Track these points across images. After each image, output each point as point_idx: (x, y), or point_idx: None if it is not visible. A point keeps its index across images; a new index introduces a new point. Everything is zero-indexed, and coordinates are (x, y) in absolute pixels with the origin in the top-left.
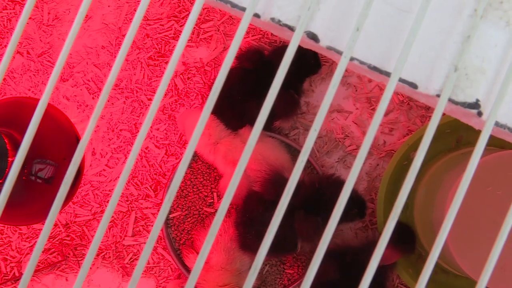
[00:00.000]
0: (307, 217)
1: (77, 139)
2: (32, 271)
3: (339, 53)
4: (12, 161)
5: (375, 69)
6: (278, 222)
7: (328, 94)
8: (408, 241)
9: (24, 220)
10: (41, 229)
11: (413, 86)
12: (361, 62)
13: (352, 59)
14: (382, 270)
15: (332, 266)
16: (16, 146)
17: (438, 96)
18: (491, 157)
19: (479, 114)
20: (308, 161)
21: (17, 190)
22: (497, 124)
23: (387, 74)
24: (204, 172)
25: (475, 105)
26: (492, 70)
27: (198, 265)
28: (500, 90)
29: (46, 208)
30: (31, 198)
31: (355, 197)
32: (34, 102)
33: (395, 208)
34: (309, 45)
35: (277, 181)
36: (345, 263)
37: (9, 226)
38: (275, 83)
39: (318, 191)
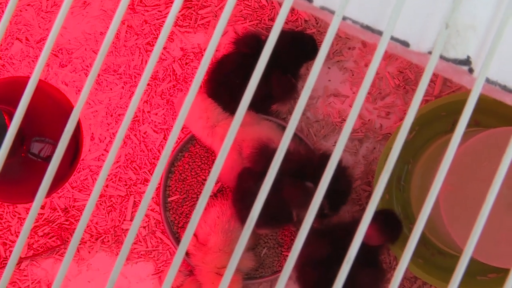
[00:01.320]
0: (296, 184)
1: (77, 121)
2: (21, 248)
3: (332, 12)
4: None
5: (367, 28)
6: (267, 190)
7: (322, 48)
8: (393, 228)
9: (21, 198)
10: (40, 213)
11: (405, 44)
12: (354, 22)
13: (344, 18)
14: (372, 249)
15: (323, 244)
16: (19, 129)
17: (429, 53)
18: (486, 134)
19: (470, 71)
20: (301, 139)
21: (15, 167)
22: (488, 80)
23: (379, 33)
24: (202, 156)
25: (466, 61)
26: (483, 27)
27: (186, 236)
28: (491, 46)
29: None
30: (30, 176)
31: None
32: None
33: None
34: (303, 6)
35: (265, 153)
36: (336, 239)
37: (7, 204)
38: (260, 62)
39: (307, 161)
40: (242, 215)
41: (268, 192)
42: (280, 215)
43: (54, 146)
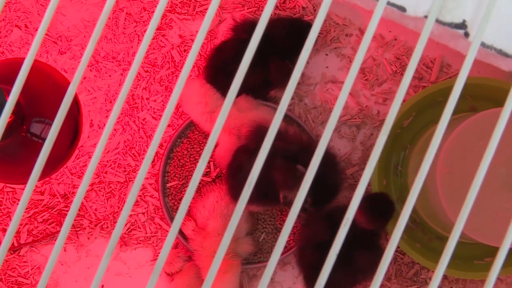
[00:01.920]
0: (286, 165)
1: (76, 102)
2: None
3: None
4: (12, 118)
5: None
6: (261, 164)
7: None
8: (382, 211)
9: (21, 179)
10: (39, 199)
11: (402, 9)
12: None
13: None
14: (371, 233)
15: (322, 227)
16: (17, 104)
17: (425, 17)
18: (480, 115)
19: (466, 35)
20: (299, 125)
21: (16, 147)
22: (483, 45)
23: None
24: (200, 142)
25: (462, 25)
26: None
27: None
28: (486, 11)
29: (45, 168)
30: (30, 157)
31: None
32: (34, 63)
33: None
34: None
35: (260, 130)
36: (335, 223)
37: (6, 191)
38: (251, 44)
39: (306, 146)
40: (234, 192)
41: (263, 170)
42: (268, 194)
43: None
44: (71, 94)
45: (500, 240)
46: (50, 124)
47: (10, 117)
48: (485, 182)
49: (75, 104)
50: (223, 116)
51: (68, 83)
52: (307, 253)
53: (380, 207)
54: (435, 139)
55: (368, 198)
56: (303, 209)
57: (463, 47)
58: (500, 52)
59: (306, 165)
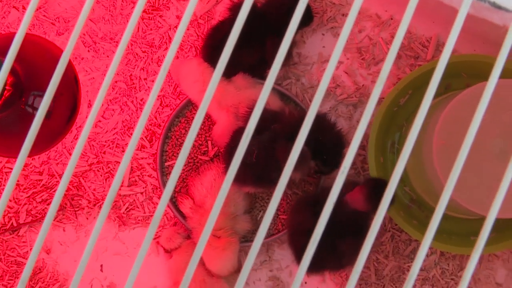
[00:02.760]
0: (289, 146)
1: (75, 77)
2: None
3: None
4: (9, 90)
5: None
6: (246, 144)
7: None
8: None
9: (18, 153)
10: (38, 180)
11: None
12: None
13: None
14: (360, 216)
15: (311, 213)
16: (16, 77)
17: None
18: (473, 88)
19: None
20: (296, 104)
21: (14, 120)
22: None
23: None
24: None
25: None
26: None
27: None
28: None
29: (42, 142)
30: (28, 130)
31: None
32: (33, 38)
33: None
34: None
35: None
36: (321, 209)
37: (5, 171)
38: (238, 19)
39: (299, 123)
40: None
41: (260, 153)
42: (271, 175)
43: (53, 102)
44: (64, 62)
45: (503, 211)
46: None
47: (8, 89)
48: (481, 153)
49: (74, 80)
50: (212, 88)
51: (69, 60)
52: (296, 239)
53: (379, 192)
54: (423, 107)
55: (371, 183)
56: (319, 172)
57: (457, 1)
58: (494, 5)
59: (305, 143)
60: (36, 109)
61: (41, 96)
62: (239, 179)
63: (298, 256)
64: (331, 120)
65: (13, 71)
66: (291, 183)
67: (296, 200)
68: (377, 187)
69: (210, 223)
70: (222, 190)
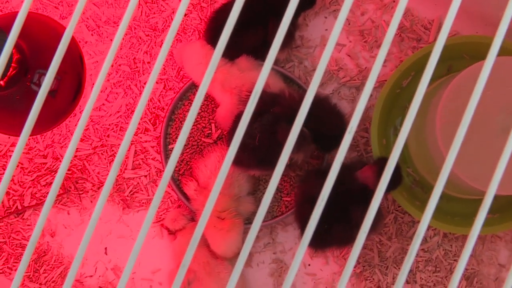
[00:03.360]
0: (289, 128)
1: (80, 57)
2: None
3: None
4: (14, 68)
5: None
6: (245, 126)
7: None
8: (393, 178)
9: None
10: (43, 163)
11: None
12: None
13: None
14: (371, 193)
15: (317, 182)
16: (22, 54)
17: None
18: (474, 66)
19: None
20: (299, 86)
21: (20, 98)
22: None
23: None
24: (202, 104)
25: None
26: None
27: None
28: None
29: (47, 120)
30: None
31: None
32: (39, 17)
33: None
34: None
35: (260, 95)
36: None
37: (8, 148)
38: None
39: (300, 104)
40: (237, 156)
41: (262, 135)
42: (274, 158)
43: (58, 81)
44: (67, 39)
45: (504, 187)
46: (54, 77)
47: (14, 66)
48: (485, 129)
49: (79, 59)
50: (213, 67)
51: (73, 38)
52: (304, 207)
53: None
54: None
55: (381, 161)
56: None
57: None
58: None
59: (306, 125)
60: (47, 92)
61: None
62: (243, 163)
63: (305, 227)
64: (331, 102)
65: (18, 49)
66: (294, 165)
67: (304, 172)
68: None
69: (211, 201)
70: (222, 171)
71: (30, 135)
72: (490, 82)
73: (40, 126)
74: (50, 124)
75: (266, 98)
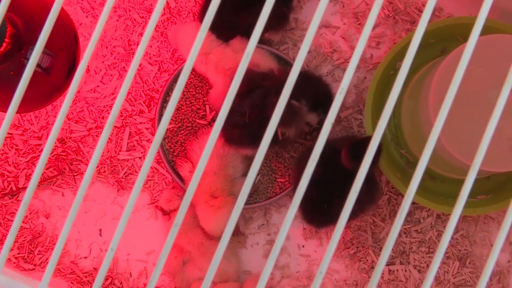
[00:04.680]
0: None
1: (75, 36)
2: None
3: None
4: (8, 43)
5: None
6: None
7: None
8: (358, 156)
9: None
10: (37, 144)
11: None
12: None
13: None
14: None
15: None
16: (16, 29)
17: None
18: (464, 45)
19: None
20: (290, 65)
21: (14, 74)
22: None
23: None
24: (196, 86)
25: None
26: None
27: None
28: None
29: (42, 97)
30: (28, 85)
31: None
32: None
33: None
34: None
35: (248, 75)
36: (325, 159)
37: (5, 136)
38: None
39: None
40: (226, 134)
41: (252, 112)
42: (261, 135)
43: (53, 58)
44: (57, 8)
45: (491, 163)
46: (49, 54)
47: (8, 42)
48: (477, 105)
49: (73, 37)
50: (199, 41)
51: (68, 16)
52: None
53: (359, 151)
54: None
55: (350, 144)
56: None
57: None
58: None
59: (298, 99)
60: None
61: (43, 51)
62: (235, 140)
63: (303, 206)
64: (317, 76)
65: (12, 23)
66: (286, 141)
67: (299, 154)
68: (356, 147)
69: (200, 167)
70: (209, 142)
71: (25, 112)
72: (482, 59)
73: (35, 103)
74: (44, 101)
75: (255, 77)
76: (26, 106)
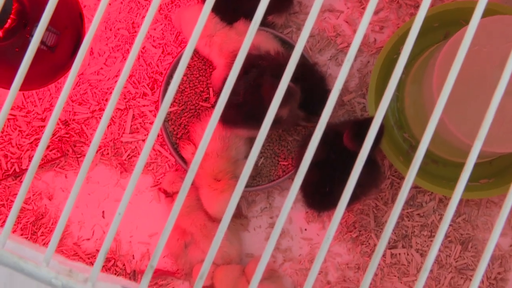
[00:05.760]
0: (274, 81)
1: (80, 15)
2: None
3: None
4: (13, 19)
5: None
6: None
7: None
8: (360, 136)
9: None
10: (41, 126)
11: None
12: None
13: None
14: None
15: (318, 146)
16: (21, 5)
17: None
18: (466, 27)
19: None
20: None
21: (19, 51)
22: None
23: None
24: (200, 68)
25: None
26: None
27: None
28: None
29: (46, 75)
30: (33, 62)
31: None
32: None
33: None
34: None
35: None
36: (329, 142)
37: (8, 118)
38: None
39: (285, 59)
40: (222, 114)
41: (246, 91)
42: (259, 113)
43: (58, 36)
44: None
45: (494, 143)
46: (54, 33)
47: (13, 18)
48: (481, 85)
49: (79, 16)
50: (202, 21)
51: None
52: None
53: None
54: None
55: (355, 127)
56: (302, 124)
57: None
58: None
59: (293, 80)
60: (42, 43)
61: (47, 30)
62: (230, 120)
63: (306, 190)
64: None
65: (21, 5)
66: (280, 121)
67: (302, 137)
68: (358, 127)
69: (202, 147)
70: (210, 123)
71: (30, 89)
72: (487, 40)
73: (39, 81)
74: (49, 79)
75: (252, 59)
76: (30, 83)
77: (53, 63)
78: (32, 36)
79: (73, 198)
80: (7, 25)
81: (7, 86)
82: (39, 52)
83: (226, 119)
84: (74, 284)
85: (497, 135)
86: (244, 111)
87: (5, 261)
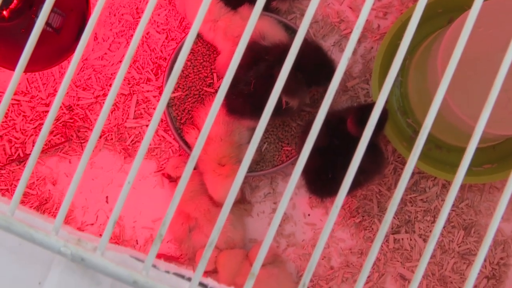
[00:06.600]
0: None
1: None
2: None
3: None
4: (18, 1)
5: None
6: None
7: None
8: (364, 121)
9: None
10: (45, 111)
11: None
12: None
13: None
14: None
15: (319, 132)
16: None
17: None
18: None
19: None
20: (293, 30)
21: (25, 32)
22: None
23: None
24: (204, 54)
25: None
26: None
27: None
28: None
29: (51, 57)
30: (38, 43)
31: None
32: None
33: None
34: None
35: (252, 47)
36: (331, 127)
37: (11, 103)
38: None
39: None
40: (229, 104)
41: (257, 81)
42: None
43: (63, 18)
44: None
45: (498, 126)
46: (59, 14)
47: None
48: (485, 67)
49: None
50: (206, 5)
51: None
52: (307, 158)
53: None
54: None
55: (359, 112)
56: (306, 109)
57: None
58: None
59: (301, 70)
60: (47, 24)
61: (52, 11)
62: (237, 110)
63: (308, 177)
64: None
65: None
66: (289, 110)
67: (305, 122)
68: (362, 112)
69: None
70: (213, 106)
71: (34, 71)
72: (492, 21)
73: (44, 62)
74: (53, 60)
75: (260, 50)
76: (35, 65)
77: (58, 45)
78: (37, 17)
79: (78, 178)
80: (12, 6)
81: (12, 67)
82: (44, 34)
83: (233, 109)
84: (83, 253)
85: (501, 117)
86: (252, 102)
87: (14, 230)
